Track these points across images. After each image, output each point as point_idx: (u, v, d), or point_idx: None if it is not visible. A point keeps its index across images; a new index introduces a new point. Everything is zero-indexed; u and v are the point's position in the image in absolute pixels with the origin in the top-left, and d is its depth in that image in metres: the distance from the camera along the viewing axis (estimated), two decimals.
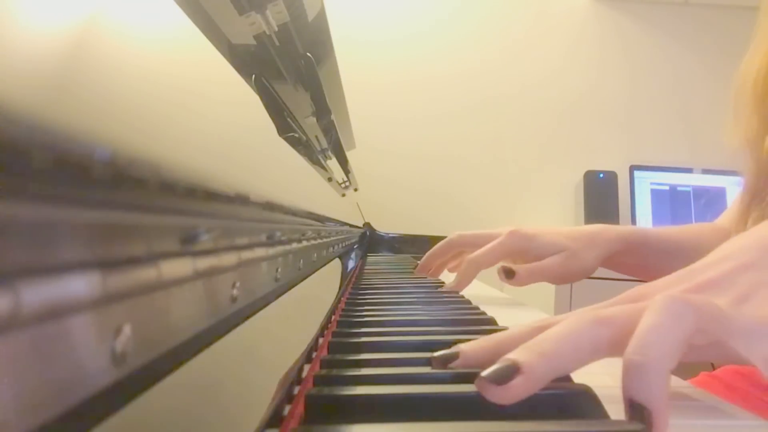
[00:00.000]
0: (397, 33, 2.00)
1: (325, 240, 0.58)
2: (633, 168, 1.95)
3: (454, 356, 0.27)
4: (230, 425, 0.18)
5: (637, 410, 0.22)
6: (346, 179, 1.07)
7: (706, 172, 1.90)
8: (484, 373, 0.23)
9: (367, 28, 1.98)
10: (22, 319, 0.09)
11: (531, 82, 2.04)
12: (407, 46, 2.00)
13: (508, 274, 0.64)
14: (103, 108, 0.13)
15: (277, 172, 0.36)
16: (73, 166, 0.10)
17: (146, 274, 0.14)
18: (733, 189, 1.79)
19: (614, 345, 0.25)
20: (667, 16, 2.08)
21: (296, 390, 0.26)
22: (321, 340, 0.38)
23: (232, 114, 0.29)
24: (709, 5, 2.03)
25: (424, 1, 2.03)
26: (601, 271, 0.74)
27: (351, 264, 0.92)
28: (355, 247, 1.12)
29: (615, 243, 0.65)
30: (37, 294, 0.10)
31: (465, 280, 0.66)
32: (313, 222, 0.44)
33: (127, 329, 0.13)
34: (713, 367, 0.68)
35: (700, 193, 1.92)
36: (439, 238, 0.94)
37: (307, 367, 0.30)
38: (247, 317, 0.25)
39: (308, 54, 0.62)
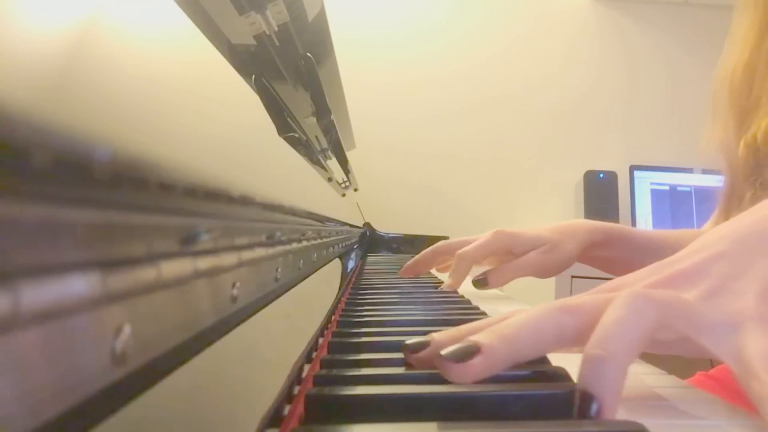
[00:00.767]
0: (397, 33, 2.00)
1: (325, 240, 0.58)
2: (633, 168, 1.95)
3: (426, 344, 0.27)
4: (230, 425, 0.18)
5: (586, 401, 0.22)
6: (346, 179, 1.07)
7: (706, 172, 1.90)
8: (443, 352, 0.24)
9: (367, 28, 1.98)
10: (22, 319, 0.09)
11: (531, 82, 2.04)
12: (407, 46, 2.00)
13: (480, 284, 0.66)
14: (103, 108, 0.13)
15: (277, 172, 0.36)
16: (73, 166, 0.10)
17: (146, 274, 0.14)
18: None
19: (579, 334, 0.25)
20: (667, 16, 2.08)
21: (296, 390, 0.26)
22: (321, 340, 0.38)
23: (232, 114, 0.29)
24: (709, 5, 2.03)
25: (424, 1, 2.03)
26: (601, 272, 0.74)
27: (351, 264, 0.92)
28: (355, 247, 1.12)
29: (594, 234, 0.66)
30: (37, 294, 0.10)
31: (458, 276, 0.67)
32: (313, 222, 0.44)
33: (127, 329, 0.13)
34: (711, 364, 0.68)
35: (700, 193, 1.92)
36: (439, 238, 0.94)
37: (307, 367, 0.30)
38: (247, 317, 0.25)
39: (308, 54, 0.62)
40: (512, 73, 2.04)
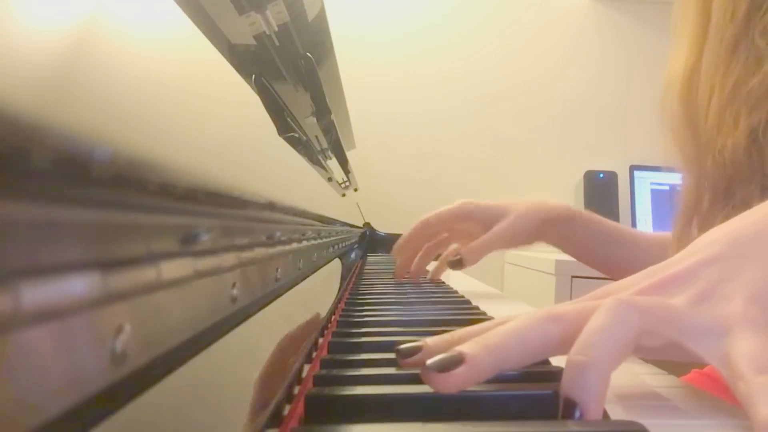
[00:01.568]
0: (397, 33, 2.00)
1: (325, 240, 0.58)
2: (633, 168, 1.95)
3: (417, 349, 0.27)
4: (230, 425, 0.18)
5: (569, 408, 0.22)
6: (346, 179, 1.07)
7: None
8: (428, 362, 0.24)
9: (367, 28, 1.98)
10: (22, 319, 0.09)
11: (531, 81, 2.04)
12: (407, 45, 2.00)
13: (455, 264, 0.69)
14: (103, 108, 0.13)
15: (277, 172, 0.36)
16: (73, 166, 0.10)
17: (146, 274, 0.14)
18: None
19: (564, 342, 0.25)
20: (666, 16, 2.07)
21: (296, 390, 0.26)
22: (321, 340, 0.38)
23: (232, 114, 0.29)
24: None
25: (424, 1, 2.03)
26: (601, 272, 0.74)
27: (351, 264, 0.92)
28: (355, 247, 1.12)
29: (558, 210, 0.71)
30: (37, 294, 0.10)
31: (409, 240, 0.76)
32: (313, 222, 0.44)
33: (127, 329, 0.13)
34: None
35: None
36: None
37: (307, 367, 0.30)
38: (247, 317, 0.25)
39: (308, 54, 0.62)
40: (512, 73, 2.04)
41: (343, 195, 0.99)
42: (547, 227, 0.71)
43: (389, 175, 1.93)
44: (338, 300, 0.53)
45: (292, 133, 0.55)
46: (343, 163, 1.04)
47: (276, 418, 0.22)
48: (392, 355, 0.31)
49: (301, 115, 0.68)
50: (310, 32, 0.65)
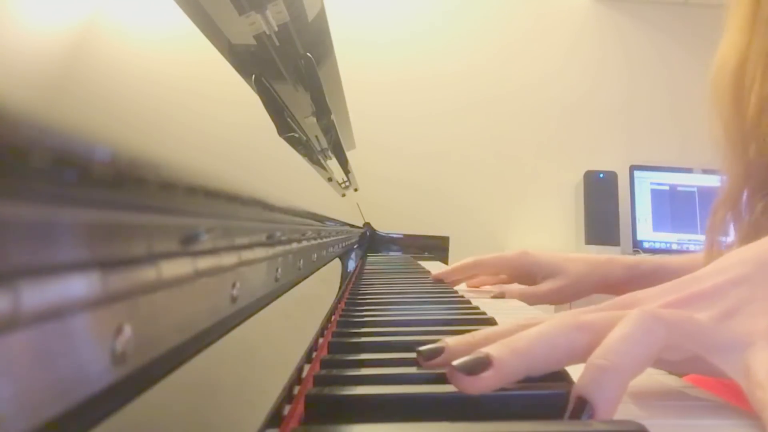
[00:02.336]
0: (397, 33, 2.00)
1: (325, 240, 0.58)
2: (633, 168, 1.95)
3: (440, 351, 0.27)
4: (230, 425, 0.18)
5: (579, 407, 0.22)
6: (346, 179, 1.07)
7: (706, 172, 1.90)
8: (455, 363, 0.24)
9: (367, 28, 1.98)
10: (22, 319, 0.09)
11: (531, 81, 2.04)
12: (407, 46, 2.00)
13: (498, 296, 0.68)
14: (103, 108, 0.13)
15: (277, 172, 0.36)
16: (73, 166, 0.10)
17: (146, 274, 0.14)
18: None
19: (590, 351, 0.25)
20: (666, 16, 2.08)
21: (296, 390, 0.26)
22: (321, 340, 0.38)
23: (232, 114, 0.29)
24: (709, 5, 2.02)
25: (424, 1, 2.03)
26: None
27: (351, 264, 0.92)
28: (355, 247, 1.12)
29: (622, 270, 0.66)
30: (37, 294, 0.10)
31: (460, 270, 0.71)
32: (313, 222, 0.44)
33: (127, 329, 0.13)
34: None
35: (701, 192, 1.92)
36: (439, 238, 0.94)
37: (307, 367, 0.30)
38: (247, 317, 0.25)
39: (308, 54, 0.62)
40: (512, 73, 2.04)
41: (343, 195, 0.99)
42: (610, 287, 0.67)
43: (389, 176, 1.93)
44: (338, 300, 0.53)
45: (292, 133, 0.55)
46: (343, 163, 1.04)
47: (276, 418, 0.22)
48: (392, 355, 0.31)
49: (301, 115, 0.68)
50: (310, 32, 0.65)
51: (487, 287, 0.74)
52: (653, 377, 0.33)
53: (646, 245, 1.91)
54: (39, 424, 0.10)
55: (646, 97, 2.06)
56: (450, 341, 0.28)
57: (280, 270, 0.32)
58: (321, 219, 0.49)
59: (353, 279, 0.78)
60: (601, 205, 1.92)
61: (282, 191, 0.33)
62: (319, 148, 0.82)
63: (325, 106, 0.71)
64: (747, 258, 0.29)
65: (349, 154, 1.12)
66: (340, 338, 0.37)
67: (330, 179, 0.83)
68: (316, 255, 0.51)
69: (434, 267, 1.11)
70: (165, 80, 0.19)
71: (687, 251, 1.78)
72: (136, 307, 0.14)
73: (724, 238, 0.52)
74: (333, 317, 0.46)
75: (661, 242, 1.91)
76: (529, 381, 0.26)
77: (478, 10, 2.04)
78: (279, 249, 0.32)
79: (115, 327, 0.13)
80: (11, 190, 0.09)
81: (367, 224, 1.48)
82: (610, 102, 2.05)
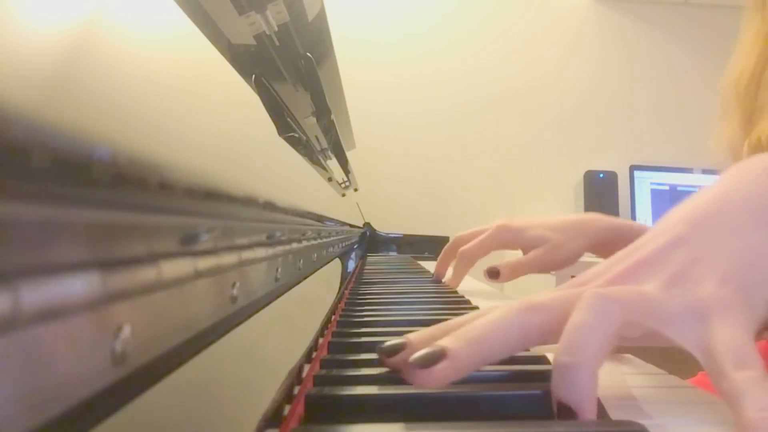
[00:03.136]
0: (397, 33, 2.00)
1: (325, 240, 0.58)
2: (633, 168, 1.95)
3: (402, 347, 0.27)
4: (230, 425, 0.18)
5: (564, 410, 0.22)
6: (346, 179, 1.07)
7: (706, 172, 1.90)
8: (410, 359, 0.24)
9: (367, 28, 1.98)
10: (22, 319, 0.09)
11: (531, 81, 2.04)
12: (407, 46, 2.00)
13: (492, 275, 0.67)
14: (103, 108, 0.13)
15: (277, 172, 0.36)
16: (73, 166, 0.10)
17: (146, 274, 0.14)
18: None
19: (545, 332, 0.25)
20: (667, 16, 2.08)
21: (296, 390, 0.26)
22: (321, 340, 0.38)
23: (232, 114, 0.29)
24: (709, 5, 2.03)
25: (424, 1, 2.03)
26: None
27: (351, 264, 0.92)
28: (355, 247, 1.12)
29: (604, 232, 0.66)
30: (37, 294, 0.10)
31: (459, 273, 0.70)
32: (313, 222, 0.44)
33: (127, 329, 0.13)
34: None
35: None
36: (439, 238, 0.94)
37: (307, 367, 0.30)
38: (247, 317, 0.25)
39: (308, 54, 0.62)
40: (512, 73, 2.04)
41: (343, 195, 0.99)
42: (597, 247, 0.67)
43: (389, 176, 1.93)
44: (338, 300, 0.53)
45: (292, 133, 0.55)
46: (343, 163, 1.04)
47: (276, 418, 0.22)
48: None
49: (301, 115, 0.68)
50: (310, 32, 0.65)
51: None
52: (653, 377, 0.33)
53: None
54: (39, 424, 0.10)
55: (646, 97, 2.06)
56: (412, 336, 0.27)
57: (280, 270, 0.32)
58: (321, 219, 0.49)
59: (353, 279, 0.78)
60: (601, 205, 1.92)
61: (282, 191, 0.33)
62: (319, 148, 0.82)
63: (325, 106, 0.71)
64: (682, 217, 0.28)
65: (349, 154, 1.12)
66: (340, 338, 0.37)
67: (330, 179, 0.83)
68: (316, 255, 0.51)
69: (434, 267, 1.11)
70: (165, 80, 0.19)
71: None
72: (136, 307, 0.14)
73: None
74: (333, 317, 0.46)
75: None
76: (529, 381, 0.26)
77: (478, 10, 2.04)
78: (279, 249, 0.32)
79: (115, 327, 0.13)
80: (11, 190, 0.09)
81: (367, 224, 1.48)
82: (610, 102, 2.05)
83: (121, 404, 0.13)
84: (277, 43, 0.53)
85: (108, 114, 0.13)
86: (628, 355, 0.39)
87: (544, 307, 0.26)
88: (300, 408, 0.24)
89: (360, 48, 1.92)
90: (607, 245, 0.66)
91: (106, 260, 0.12)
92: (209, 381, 0.19)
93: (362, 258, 1.24)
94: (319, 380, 0.27)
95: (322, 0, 0.66)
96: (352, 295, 0.59)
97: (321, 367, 0.30)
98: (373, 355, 0.32)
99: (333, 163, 0.98)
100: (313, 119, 0.71)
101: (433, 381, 0.23)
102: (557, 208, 2.03)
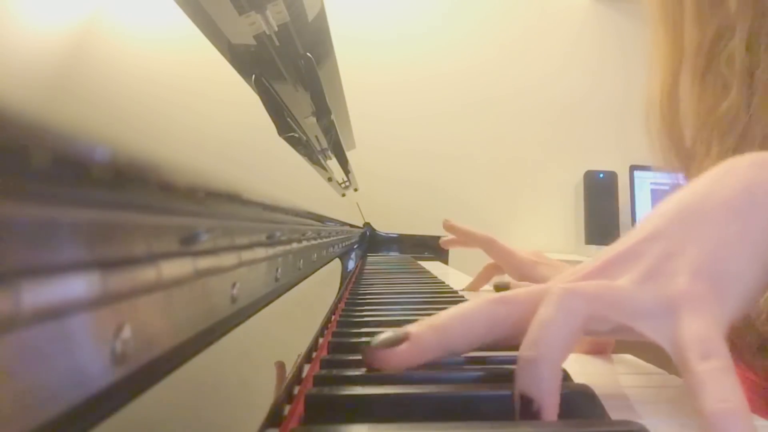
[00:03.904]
0: (397, 33, 2.00)
1: (325, 240, 0.58)
2: (633, 168, 1.95)
3: (405, 337, 0.26)
4: (230, 425, 0.18)
5: (526, 403, 0.22)
6: (346, 179, 1.07)
7: None
8: (372, 341, 0.24)
9: (367, 27, 1.98)
10: (22, 319, 0.09)
11: (531, 81, 2.04)
12: (407, 45, 2.00)
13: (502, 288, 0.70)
14: (103, 108, 0.13)
15: (277, 172, 0.36)
16: (73, 166, 0.10)
17: (146, 274, 0.14)
18: None
19: (512, 325, 0.25)
20: None
21: (296, 390, 0.26)
22: (321, 340, 0.38)
23: (232, 114, 0.29)
24: None
25: (424, 1, 2.03)
26: None
27: (351, 264, 0.92)
28: (355, 247, 1.12)
29: None
30: (37, 294, 0.10)
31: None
32: (313, 222, 0.44)
33: (127, 329, 0.13)
34: None
35: None
36: (439, 238, 0.94)
37: (307, 367, 0.30)
38: (247, 317, 0.25)
39: (308, 54, 0.62)
40: (512, 73, 2.04)
41: (343, 195, 0.99)
42: None
43: (389, 175, 1.93)
44: (338, 300, 0.53)
45: (292, 133, 0.55)
46: (343, 163, 1.04)
47: (276, 418, 0.22)
48: None
49: (301, 115, 0.68)
50: (310, 32, 0.65)
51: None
52: (654, 377, 0.33)
53: None
54: (39, 424, 0.10)
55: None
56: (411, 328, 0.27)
57: (280, 270, 0.32)
58: (321, 219, 0.49)
59: (353, 279, 0.78)
60: (601, 205, 1.92)
61: (282, 191, 0.33)
62: (319, 148, 0.82)
63: (325, 106, 0.71)
64: (662, 212, 0.28)
65: (349, 154, 1.12)
66: (340, 338, 0.37)
67: (330, 179, 0.83)
68: (316, 255, 0.51)
69: (434, 267, 1.11)
70: (165, 80, 0.19)
71: None
72: (136, 307, 0.14)
73: None
74: (333, 317, 0.46)
75: None
76: None
77: (478, 10, 2.04)
78: (279, 249, 0.32)
79: (115, 327, 0.13)
80: (11, 190, 0.09)
81: (367, 224, 1.48)
82: (610, 102, 2.05)
83: (121, 404, 0.13)
84: (277, 43, 0.53)
85: (108, 114, 0.13)
86: (628, 355, 0.39)
87: (513, 300, 0.26)
88: (300, 408, 0.24)
89: (360, 48, 1.92)
90: None
91: (106, 260, 0.12)
92: (209, 381, 0.19)
93: (362, 258, 1.24)
94: (319, 380, 0.27)
95: (322, 0, 0.66)
96: (352, 295, 0.59)
97: (321, 367, 0.30)
98: None
99: (333, 163, 0.98)
100: (313, 119, 0.71)
101: (393, 362, 0.24)
102: (557, 208, 2.03)
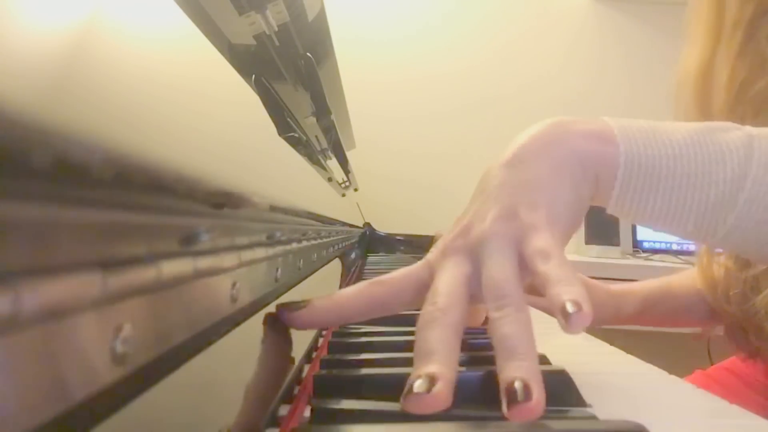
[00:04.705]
0: (396, 32, 2.00)
1: (325, 240, 0.58)
2: None
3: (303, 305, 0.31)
4: (230, 425, 0.18)
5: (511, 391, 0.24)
6: (346, 179, 1.07)
7: None
8: (279, 307, 0.29)
9: (367, 27, 1.98)
10: (22, 319, 0.09)
11: (531, 81, 2.04)
12: (407, 45, 2.00)
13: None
14: (102, 108, 0.13)
15: (277, 172, 0.36)
16: (73, 166, 0.10)
17: (146, 274, 0.14)
18: None
19: (387, 301, 0.30)
20: (666, 16, 2.08)
21: (296, 390, 0.26)
22: (321, 340, 0.38)
23: (232, 114, 0.29)
24: None
25: (424, 1, 2.03)
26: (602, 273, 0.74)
27: (351, 264, 0.92)
28: (355, 247, 1.12)
29: (630, 311, 0.63)
30: (38, 294, 0.10)
31: None
32: (313, 222, 0.44)
33: (127, 329, 0.13)
34: (711, 362, 0.68)
35: None
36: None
37: (307, 367, 0.30)
38: (248, 317, 0.25)
39: (308, 54, 0.62)
40: (512, 73, 2.04)
41: (343, 195, 0.99)
42: (614, 321, 0.64)
43: (389, 175, 1.93)
44: None
45: (292, 133, 0.55)
46: (343, 163, 1.04)
47: (276, 418, 0.22)
48: (392, 355, 0.31)
49: (301, 115, 0.68)
50: (310, 32, 0.65)
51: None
52: (654, 377, 0.33)
53: (646, 245, 1.91)
54: (39, 424, 0.10)
55: (646, 97, 2.06)
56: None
57: (280, 270, 0.32)
58: (321, 219, 0.49)
59: (353, 279, 0.78)
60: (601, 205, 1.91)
61: (282, 191, 0.33)
62: (319, 148, 0.82)
63: (325, 106, 0.71)
64: (488, 168, 0.36)
65: (349, 154, 1.12)
66: (340, 338, 0.37)
67: (330, 179, 0.83)
68: (316, 255, 0.51)
69: None
70: (165, 80, 0.19)
71: (687, 251, 1.77)
72: (136, 307, 0.14)
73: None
74: None
75: (661, 242, 1.91)
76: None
77: (478, 10, 2.04)
78: (279, 249, 0.32)
79: (115, 327, 0.13)
80: (11, 190, 0.09)
81: (367, 224, 1.48)
82: (610, 102, 2.05)
83: (121, 404, 0.13)
84: (277, 43, 0.53)
85: (108, 114, 0.13)
86: (620, 351, 0.39)
87: (389, 281, 0.31)
88: (300, 408, 0.24)
89: (360, 48, 1.92)
90: (635, 317, 0.64)
91: (107, 260, 0.12)
92: (209, 381, 0.19)
93: (362, 258, 1.24)
94: (319, 381, 0.27)
95: (322, 0, 0.66)
96: None
97: (321, 367, 0.30)
98: (374, 355, 0.32)
99: (333, 163, 0.98)
100: (313, 119, 0.71)
101: (289, 320, 0.29)
102: None
